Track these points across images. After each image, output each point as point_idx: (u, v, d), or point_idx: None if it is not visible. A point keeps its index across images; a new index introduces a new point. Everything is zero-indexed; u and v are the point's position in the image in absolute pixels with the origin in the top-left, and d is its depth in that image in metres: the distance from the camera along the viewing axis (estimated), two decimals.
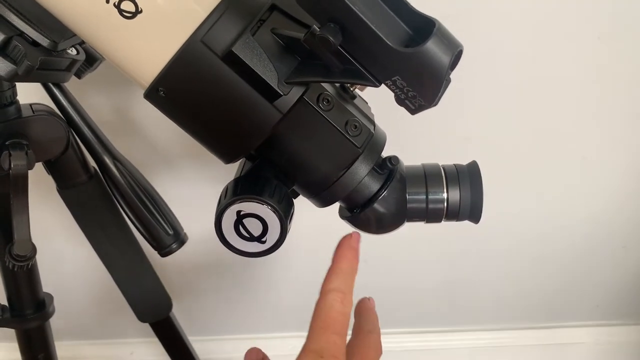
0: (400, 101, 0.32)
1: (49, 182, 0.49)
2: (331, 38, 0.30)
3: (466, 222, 0.43)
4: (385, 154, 0.41)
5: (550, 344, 0.88)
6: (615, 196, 0.78)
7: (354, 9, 0.29)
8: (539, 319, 0.87)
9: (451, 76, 0.31)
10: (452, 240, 0.78)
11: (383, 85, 0.32)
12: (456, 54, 0.30)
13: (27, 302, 0.51)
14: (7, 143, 0.40)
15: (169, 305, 0.57)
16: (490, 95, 0.70)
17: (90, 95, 0.62)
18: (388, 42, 0.29)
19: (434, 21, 0.30)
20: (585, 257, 0.82)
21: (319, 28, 0.31)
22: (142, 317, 0.57)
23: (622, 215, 0.79)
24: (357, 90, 0.40)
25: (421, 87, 0.30)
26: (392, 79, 0.31)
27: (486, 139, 0.72)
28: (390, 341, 0.84)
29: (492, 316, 0.87)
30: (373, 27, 0.29)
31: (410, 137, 0.62)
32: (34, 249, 0.42)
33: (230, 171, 0.42)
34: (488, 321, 0.87)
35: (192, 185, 0.68)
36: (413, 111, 0.32)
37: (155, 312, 0.57)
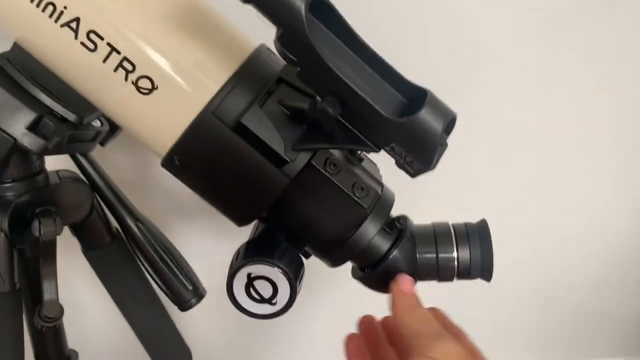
0: (400, 165, 0.34)
1: (74, 240, 0.51)
2: (330, 110, 0.32)
3: None
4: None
5: None
6: (630, 230, 0.78)
7: (349, 83, 0.31)
8: (560, 355, 0.86)
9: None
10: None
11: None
12: (449, 121, 0.31)
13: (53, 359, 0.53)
14: (37, 211, 0.43)
15: (188, 356, 0.59)
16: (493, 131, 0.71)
17: (110, 152, 0.65)
18: (383, 113, 0.31)
19: (426, 91, 0.32)
20: (603, 291, 0.82)
21: (318, 98, 0.33)
22: None
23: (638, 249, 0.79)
24: (364, 153, 0.42)
25: (417, 153, 0.32)
26: (390, 145, 0.33)
27: (496, 175, 0.73)
28: None
29: (507, 352, 0.85)
30: (368, 100, 0.31)
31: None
32: (61, 311, 0.44)
33: (248, 226, 0.44)
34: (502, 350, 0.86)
35: (210, 239, 0.70)
36: (412, 175, 0.34)
37: None
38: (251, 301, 0.39)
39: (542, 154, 0.74)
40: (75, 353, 0.55)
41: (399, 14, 0.65)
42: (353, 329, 0.45)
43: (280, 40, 0.30)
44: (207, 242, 0.71)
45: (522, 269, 0.77)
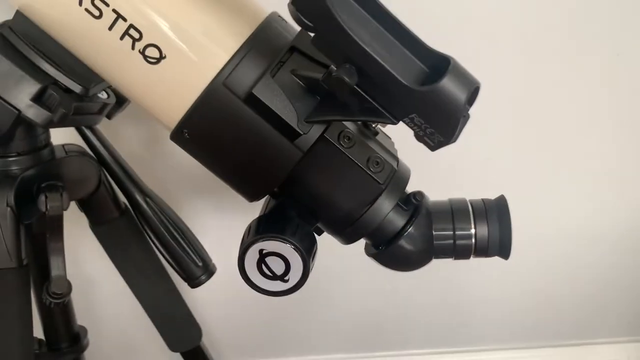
0: (419, 138, 0.33)
1: (82, 215, 0.51)
2: (347, 79, 0.30)
3: None
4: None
5: None
6: (633, 212, 0.78)
7: (367, 50, 0.29)
8: (569, 336, 0.86)
9: None
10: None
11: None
12: (472, 90, 0.30)
13: (62, 336, 0.52)
14: (43, 185, 0.42)
15: (199, 334, 0.58)
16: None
17: (119, 126, 0.64)
18: (403, 81, 0.30)
19: (449, 59, 0.30)
20: (609, 274, 0.82)
21: (335, 67, 0.31)
22: (173, 347, 0.58)
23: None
24: (379, 126, 0.40)
25: (439, 124, 0.31)
26: (410, 116, 0.31)
27: (512, 156, 0.72)
28: None
29: (520, 334, 0.86)
30: (387, 67, 0.29)
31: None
32: (69, 287, 0.43)
33: (259, 201, 0.43)
34: (516, 340, 0.86)
35: (222, 215, 0.69)
36: (432, 147, 0.33)
37: (186, 342, 0.58)
38: (263, 278, 0.38)
39: (546, 148, 0.73)
40: (84, 329, 0.55)
41: None
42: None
43: (294, 2, 0.28)
44: (218, 218, 0.70)
45: (538, 244, 0.78)
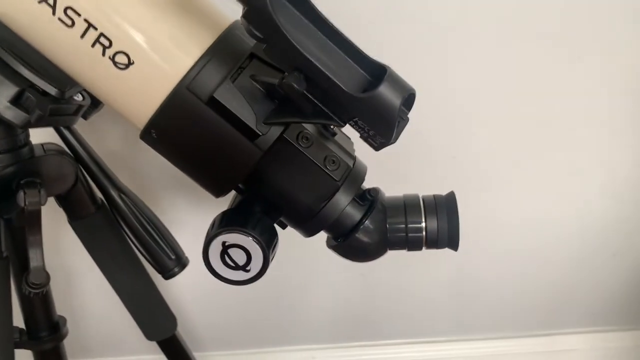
0: (364, 139, 0.36)
1: (61, 210, 0.53)
2: (296, 86, 0.33)
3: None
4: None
5: (548, 351, 0.90)
6: (603, 208, 0.81)
7: (312, 60, 0.32)
8: (537, 327, 0.90)
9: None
10: (453, 257, 0.81)
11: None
12: (406, 96, 0.33)
13: (42, 325, 0.55)
14: (22, 182, 0.45)
15: (174, 324, 0.61)
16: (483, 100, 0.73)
17: (96, 124, 0.67)
18: (344, 89, 0.33)
19: (385, 67, 0.33)
20: (578, 267, 0.85)
21: (285, 74, 0.34)
22: (149, 336, 0.60)
23: (610, 226, 0.82)
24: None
25: (378, 127, 0.34)
26: (354, 120, 0.34)
27: (484, 147, 0.76)
28: (393, 352, 0.89)
29: (491, 326, 0.90)
30: (331, 76, 0.32)
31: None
32: (47, 277, 0.46)
33: (229, 197, 0.45)
34: (488, 331, 0.90)
35: (195, 210, 0.72)
36: (376, 148, 0.36)
37: (162, 331, 0.61)
38: (226, 268, 0.41)
39: (527, 145, 0.76)
40: (64, 319, 0.57)
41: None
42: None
43: (245, 17, 0.31)
44: (193, 213, 0.73)
45: (504, 240, 0.82)
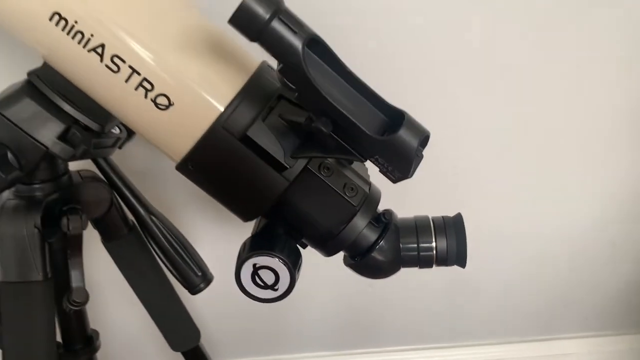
0: (383, 173, 0.40)
1: (92, 230, 0.57)
2: (323, 128, 0.37)
3: None
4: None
5: (545, 355, 0.95)
6: (596, 218, 0.85)
7: (339, 108, 0.36)
8: (535, 333, 0.94)
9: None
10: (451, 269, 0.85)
11: None
12: (422, 138, 0.37)
13: (77, 339, 0.59)
14: (64, 209, 0.49)
15: (198, 335, 0.65)
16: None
17: (126, 146, 0.71)
18: (367, 132, 0.37)
19: (403, 113, 0.37)
20: (572, 275, 0.90)
21: (314, 118, 0.39)
22: (175, 347, 0.64)
23: (603, 236, 0.87)
24: None
25: (397, 165, 0.38)
26: (374, 157, 0.38)
27: (482, 157, 0.80)
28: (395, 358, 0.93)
29: (490, 332, 0.94)
30: (355, 121, 0.37)
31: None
32: (87, 296, 0.50)
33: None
34: (487, 337, 0.94)
35: (219, 229, 0.76)
36: (394, 181, 0.40)
37: (187, 342, 0.65)
38: (256, 287, 0.45)
39: (525, 147, 0.80)
40: (96, 332, 0.61)
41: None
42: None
43: (281, 72, 0.35)
44: (216, 233, 0.77)
45: (503, 251, 0.86)
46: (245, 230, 0.49)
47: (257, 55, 0.45)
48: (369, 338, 0.93)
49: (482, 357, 0.94)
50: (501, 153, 0.80)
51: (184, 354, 0.65)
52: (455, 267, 0.86)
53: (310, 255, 0.49)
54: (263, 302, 0.45)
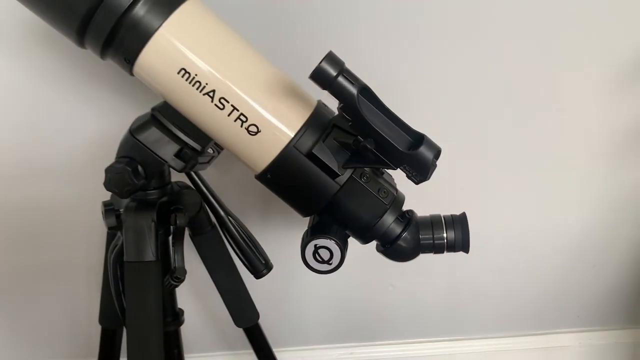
0: (409, 177, 0.58)
1: None
2: (369, 146, 0.55)
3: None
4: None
5: (541, 348, 1.07)
6: (584, 224, 0.98)
7: (381, 133, 0.54)
8: (531, 327, 1.07)
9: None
10: (454, 265, 1.00)
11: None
12: (436, 153, 0.55)
13: (168, 312, 0.75)
14: (172, 208, 0.66)
15: (257, 314, 0.81)
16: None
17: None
18: (399, 148, 0.55)
19: (423, 135, 0.55)
20: (565, 275, 1.03)
21: (362, 139, 0.56)
22: (238, 324, 0.80)
23: (590, 240, 1.00)
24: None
25: (419, 171, 0.56)
26: (403, 166, 0.56)
27: (482, 173, 0.93)
28: (396, 349, 1.05)
29: (490, 325, 1.06)
30: (391, 141, 0.55)
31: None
32: (185, 274, 0.66)
33: (302, 220, 0.66)
34: (487, 330, 1.06)
35: (278, 227, 0.93)
36: (417, 182, 0.58)
37: (248, 319, 0.81)
38: (316, 262, 0.61)
39: (517, 165, 0.93)
40: (182, 310, 0.78)
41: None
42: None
43: (342, 109, 0.54)
44: (277, 230, 0.93)
45: (502, 250, 1.00)
46: (302, 228, 0.65)
47: (313, 93, 0.63)
48: (371, 331, 1.04)
49: (484, 348, 1.06)
50: (500, 163, 0.92)
51: (245, 330, 0.82)
52: (458, 268, 1.01)
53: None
54: (321, 273, 0.62)
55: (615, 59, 0.87)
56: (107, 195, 0.67)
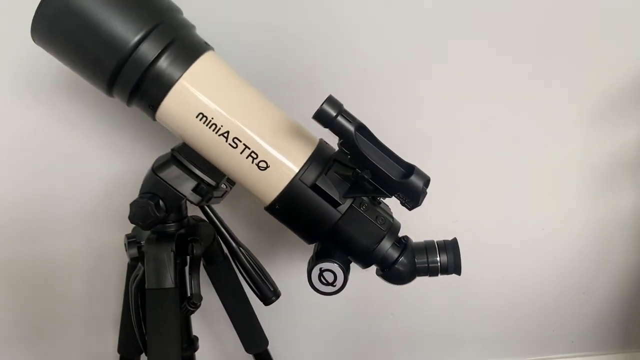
0: (402, 204, 0.65)
1: None
2: (366, 176, 0.62)
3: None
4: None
5: None
6: (573, 256, 1.04)
7: (377, 165, 0.62)
8: (528, 353, 1.12)
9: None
10: (452, 292, 1.05)
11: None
12: (425, 181, 0.62)
13: (184, 338, 0.80)
14: (189, 239, 0.73)
15: (266, 341, 0.86)
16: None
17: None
18: (393, 177, 0.62)
19: (413, 166, 0.63)
20: (557, 301, 1.08)
21: (359, 171, 0.64)
22: (248, 349, 0.85)
23: (581, 267, 1.06)
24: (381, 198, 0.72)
25: (411, 198, 0.63)
26: (397, 194, 0.63)
27: (475, 205, 0.98)
28: None
29: (488, 352, 1.10)
30: (386, 172, 0.62)
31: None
32: (201, 300, 0.72)
33: (307, 249, 0.73)
34: (485, 356, 1.11)
35: (283, 256, 0.99)
36: (409, 209, 0.64)
37: (258, 346, 0.86)
38: (321, 284, 0.68)
39: (506, 193, 0.98)
40: (196, 337, 0.83)
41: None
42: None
43: (342, 144, 0.61)
44: (282, 259, 0.99)
45: (499, 282, 1.05)
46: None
47: (316, 131, 0.70)
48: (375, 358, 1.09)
49: None
50: (490, 192, 0.98)
51: (254, 356, 0.86)
52: (458, 300, 1.06)
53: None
54: (325, 294, 0.68)
55: (600, 91, 0.92)
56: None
